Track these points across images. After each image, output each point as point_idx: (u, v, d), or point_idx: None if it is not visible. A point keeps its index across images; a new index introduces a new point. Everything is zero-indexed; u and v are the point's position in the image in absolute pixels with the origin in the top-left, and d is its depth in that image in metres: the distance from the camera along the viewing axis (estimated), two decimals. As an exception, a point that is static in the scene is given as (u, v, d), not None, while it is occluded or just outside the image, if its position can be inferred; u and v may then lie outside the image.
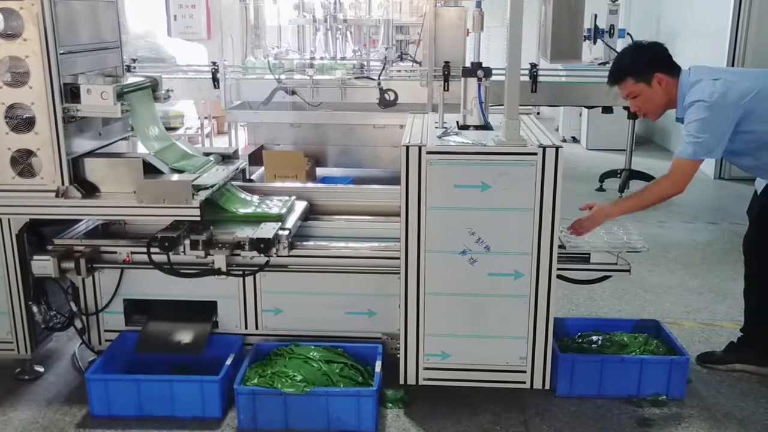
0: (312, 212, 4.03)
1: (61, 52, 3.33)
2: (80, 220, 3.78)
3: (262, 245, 3.40)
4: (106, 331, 3.76)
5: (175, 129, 8.75)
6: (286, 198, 3.91)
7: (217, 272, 3.53)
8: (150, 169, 3.56)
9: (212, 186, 3.63)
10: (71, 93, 3.39)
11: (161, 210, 3.43)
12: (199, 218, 3.43)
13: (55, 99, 3.31)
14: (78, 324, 3.70)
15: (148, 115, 3.82)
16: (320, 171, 6.74)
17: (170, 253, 3.43)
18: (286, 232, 3.51)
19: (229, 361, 3.43)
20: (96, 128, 3.71)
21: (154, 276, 3.64)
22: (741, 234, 6.34)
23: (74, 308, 3.66)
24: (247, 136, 7.07)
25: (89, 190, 3.49)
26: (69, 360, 3.91)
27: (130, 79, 3.93)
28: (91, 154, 3.61)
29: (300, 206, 3.88)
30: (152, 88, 3.93)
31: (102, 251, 3.61)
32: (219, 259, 3.49)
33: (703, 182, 8.34)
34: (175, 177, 3.57)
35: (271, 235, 3.42)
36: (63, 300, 3.72)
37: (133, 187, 3.46)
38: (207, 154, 4.08)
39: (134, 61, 6.69)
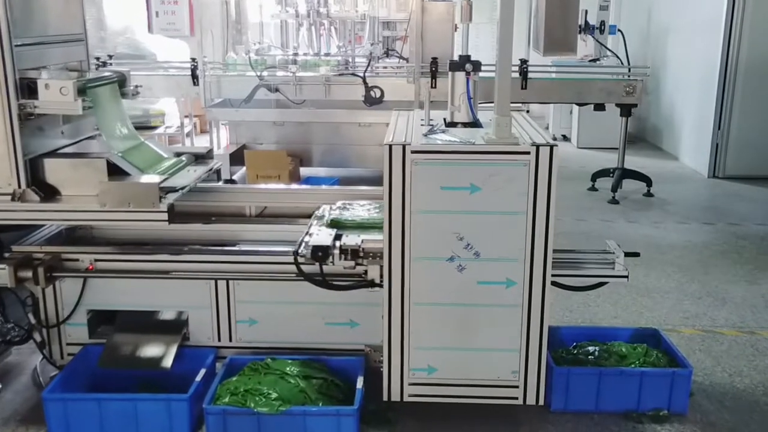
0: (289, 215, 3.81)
1: (17, 44, 3.09)
2: (40, 226, 3.53)
3: None
4: (68, 344, 3.51)
5: (155, 128, 8.51)
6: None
7: (371, 284, 3.17)
8: (117, 171, 3.32)
9: (182, 188, 3.40)
10: (28, 88, 3.15)
11: (126, 214, 3.20)
12: (167, 222, 3.20)
13: (10, 94, 3.07)
14: (38, 337, 3.45)
15: (115, 113, 3.57)
16: (304, 171, 6.56)
17: (322, 264, 3.07)
18: None
19: (199, 378, 3.19)
20: (57, 126, 3.46)
21: (119, 285, 3.42)
22: (738, 235, 6.23)
23: (32, 320, 3.41)
24: (229, 134, 6.87)
25: (49, 193, 3.26)
26: (30, 375, 3.65)
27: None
28: (51, 154, 3.37)
29: None
30: (119, 83, 3.68)
31: (63, 259, 3.37)
32: (373, 270, 3.12)
33: (697, 181, 8.16)
34: (143, 179, 3.33)
35: None
36: (22, 311, 3.46)
37: (96, 190, 3.22)
38: (179, 154, 3.84)
39: (111, 57, 6.45)
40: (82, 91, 3.23)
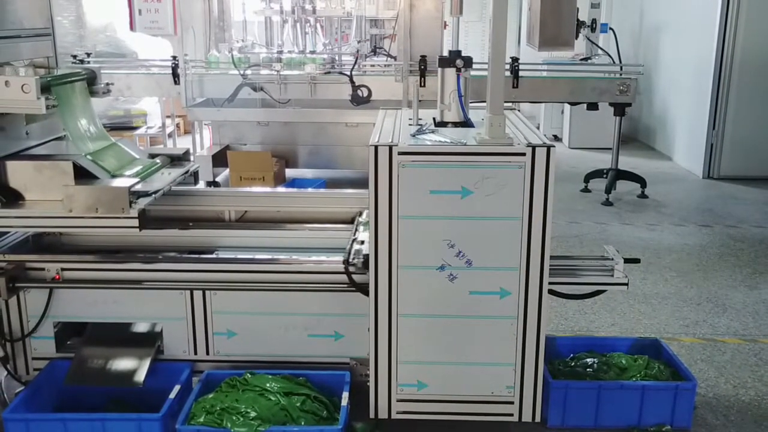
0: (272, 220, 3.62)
1: (-25, 38, 2.87)
2: (4, 233, 3.31)
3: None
4: (34, 358, 3.28)
5: (137, 128, 8.30)
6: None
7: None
8: (85, 174, 3.10)
9: (155, 192, 3.18)
10: (-14, 86, 2.92)
11: (94, 221, 2.98)
12: (137, 229, 2.98)
13: (-34, 92, 2.84)
14: (1, 351, 3.23)
15: (82, 112, 3.35)
16: (290, 172, 6.38)
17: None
18: None
19: (173, 395, 2.98)
20: (20, 126, 3.24)
21: (88, 295, 3.21)
22: (735, 237, 6.08)
23: (-6, 334, 3.20)
24: (212, 135, 6.68)
25: (12, 197, 3.03)
26: (-6, 391, 3.43)
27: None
28: (13, 156, 3.15)
29: None
30: (89, 81, 3.46)
31: (27, 268, 3.15)
32: None
33: (692, 182, 8.01)
34: (112, 182, 3.12)
35: None
36: (-16, 324, 3.25)
37: (62, 194, 3.00)
38: (154, 156, 3.63)
39: (89, 55, 6.24)
40: (46, 89, 3.01)
